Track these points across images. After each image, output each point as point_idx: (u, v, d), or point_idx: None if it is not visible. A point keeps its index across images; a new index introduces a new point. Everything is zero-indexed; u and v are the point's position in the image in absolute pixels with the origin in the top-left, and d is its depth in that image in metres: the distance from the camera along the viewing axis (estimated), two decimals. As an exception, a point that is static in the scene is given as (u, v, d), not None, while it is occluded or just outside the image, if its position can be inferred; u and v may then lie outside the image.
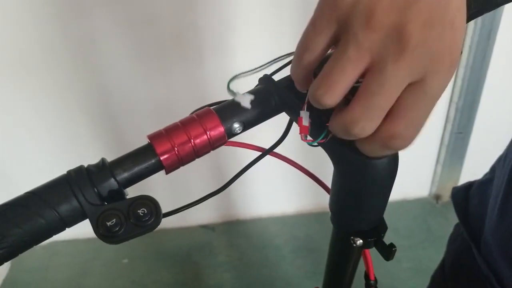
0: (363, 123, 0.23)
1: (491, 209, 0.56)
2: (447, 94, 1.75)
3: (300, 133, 0.30)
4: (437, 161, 1.98)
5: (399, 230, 1.94)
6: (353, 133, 0.23)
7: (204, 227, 1.97)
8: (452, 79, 1.62)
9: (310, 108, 0.28)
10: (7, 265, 1.74)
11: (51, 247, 1.84)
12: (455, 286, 0.67)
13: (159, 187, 1.77)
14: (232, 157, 1.72)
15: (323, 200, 0.35)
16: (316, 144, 0.29)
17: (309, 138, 0.30)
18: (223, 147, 0.33)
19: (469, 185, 0.67)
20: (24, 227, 0.26)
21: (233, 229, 1.97)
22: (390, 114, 0.23)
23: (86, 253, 1.83)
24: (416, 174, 2.04)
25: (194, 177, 1.76)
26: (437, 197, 2.03)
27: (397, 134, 0.23)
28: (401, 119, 0.23)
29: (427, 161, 1.99)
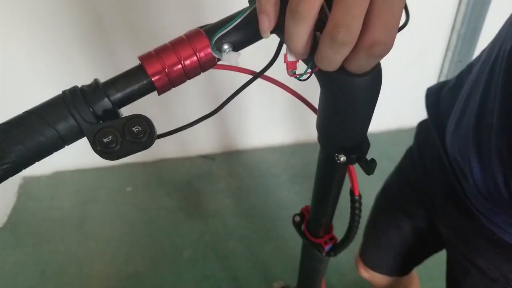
0: (344, 29, 0.24)
1: (454, 111, 0.63)
2: (450, 21, 1.70)
3: (287, 69, 0.31)
4: (435, 90, 1.97)
5: (394, 157, 1.97)
6: (338, 41, 0.25)
7: (204, 157, 2.02)
8: (456, 5, 1.57)
9: None
10: (15, 193, 1.82)
11: (56, 176, 1.91)
12: (421, 166, 0.77)
13: (157, 118, 1.79)
14: (230, 85, 1.72)
15: None
16: (304, 78, 0.30)
17: (297, 73, 0.31)
18: (218, 74, 0.34)
19: (442, 85, 0.73)
20: (26, 144, 0.28)
21: (233, 159, 2.03)
22: (366, 23, 0.25)
23: (91, 182, 1.90)
24: (414, 103, 2.04)
25: (191, 107, 1.77)
26: (433, 126, 2.06)
27: (377, 40, 0.25)
28: (378, 24, 0.24)
29: (425, 90, 1.99)
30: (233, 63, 0.32)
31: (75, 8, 1.42)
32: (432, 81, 1.95)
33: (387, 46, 0.26)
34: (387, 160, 1.91)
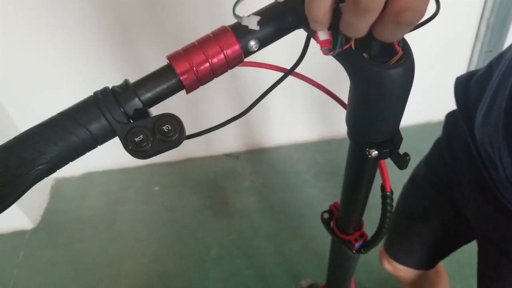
0: None
1: (483, 101, 0.62)
2: (478, 10, 1.64)
3: (321, 48, 0.30)
4: (464, 82, 1.92)
5: (423, 151, 1.94)
6: (362, 6, 0.23)
7: (229, 155, 2.03)
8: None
9: None
10: (47, 195, 1.88)
11: (86, 178, 1.96)
12: (450, 156, 0.76)
13: (185, 118, 1.81)
14: (254, 85, 1.72)
15: (344, 127, 0.36)
16: (338, 51, 0.29)
17: (331, 51, 0.30)
18: (244, 71, 0.34)
19: (471, 75, 0.71)
20: (60, 144, 0.29)
21: (257, 157, 2.03)
22: None
23: (119, 182, 1.94)
24: (442, 97, 1.99)
25: (217, 107, 1.78)
26: (463, 119, 2.00)
27: (406, 6, 0.23)
28: None
29: (454, 80, 1.93)
30: (252, 27, 0.31)
31: (98, 10, 1.45)
32: (460, 72, 1.87)
33: (417, 13, 0.24)
34: (416, 155, 1.85)
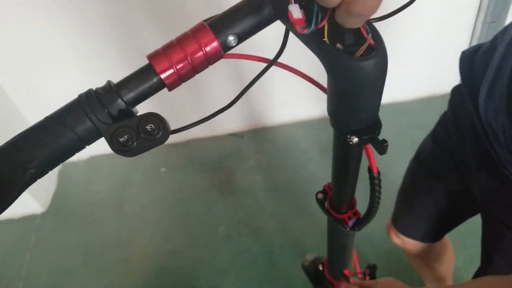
0: None
1: (487, 76, 0.62)
2: (481, -21, 1.60)
3: (296, 26, 0.30)
4: (468, 52, 1.89)
5: (427, 126, 1.92)
6: None
7: (233, 135, 2.04)
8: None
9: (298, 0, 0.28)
10: (55, 179, 1.92)
11: (92, 161, 2.00)
12: (455, 130, 0.77)
13: (186, 101, 1.82)
14: (254, 67, 1.71)
15: None
16: (313, 29, 0.29)
17: (305, 28, 0.29)
18: (236, 62, 0.35)
19: (477, 49, 0.70)
20: (49, 147, 0.30)
21: (261, 136, 2.04)
22: None
23: (125, 165, 1.97)
24: (444, 69, 1.96)
25: (218, 88, 1.79)
26: (467, 90, 1.98)
27: None
28: None
29: (457, 54, 1.90)
30: (296, 16, 0.30)
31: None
32: (464, 44, 1.86)
33: (365, 8, 0.24)
34: (419, 129, 1.86)
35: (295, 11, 0.29)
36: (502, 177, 0.64)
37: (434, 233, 0.95)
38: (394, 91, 1.95)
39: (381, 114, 0.36)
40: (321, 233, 1.55)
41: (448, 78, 2.03)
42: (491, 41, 0.66)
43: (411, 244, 0.98)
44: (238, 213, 1.69)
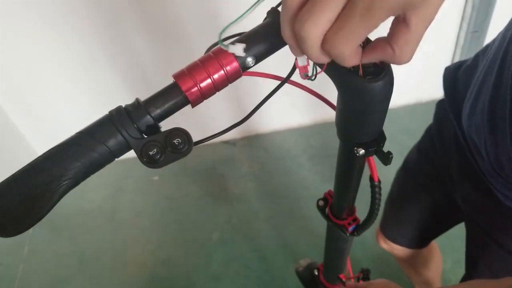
0: (306, 25, 0.26)
1: (469, 93, 0.64)
2: (464, -10, 1.67)
3: (300, 73, 0.34)
4: (452, 62, 1.95)
5: (413, 131, 2.00)
6: (301, 35, 0.26)
7: (226, 142, 2.07)
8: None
9: None
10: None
11: (86, 170, 1.99)
12: (440, 143, 0.79)
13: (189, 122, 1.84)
14: (249, 91, 1.75)
15: None
16: (313, 78, 0.34)
17: (308, 75, 0.34)
18: (246, 85, 0.37)
19: (459, 65, 0.73)
20: (82, 161, 0.32)
21: (253, 143, 2.07)
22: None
23: (118, 173, 1.97)
24: (430, 77, 2.03)
25: (218, 111, 1.83)
26: (452, 97, 2.04)
27: (329, 40, 0.26)
28: (333, 28, 0.26)
29: (442, 62, 1.97)
30: (239, 54, 0.34)
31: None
32: (448, 53, 1.92)
33: (340, 50, 0.27)
34: (406, 135, 1.92)
35: (301, 60, 0.32)
36: (485, 190, 0.66)
37: (420, 240, 0.99)
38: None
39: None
40: (314, 237, 1.59)
41: (433, 85, 2.10)
42: (473, 59, 0.68)
43: (398, 250, 1.01)
44: (232, 219, 1.71)
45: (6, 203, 0.31)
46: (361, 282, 0.96)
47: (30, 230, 1.74)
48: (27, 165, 0.32)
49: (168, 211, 1.79)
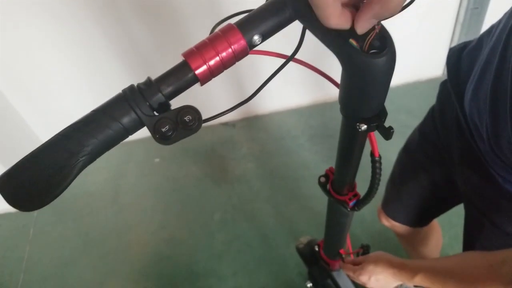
0: None
1: (473, 76, 0.64)
2: (464, -34, 1.66)
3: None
4: (452, 40, 1.95)
5: (412, 110, 2.01)
6: None
7: (225, 124, 2.08)
8: None
9: None
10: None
11: (87, 153, 2.00)
12: (442, 125, 0.80)
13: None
14: (248, 71, 1.75)
15: (335, 90, 0.41)
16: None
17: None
18: (249, 66, 0.38)
19: (464, 46, 0.72)
20: (98, 137, 0.34)
21: (253, 124, 2.08)
22: None
23: (120, 156, 1.99)
24: (430, 55, 2.03)
25: (217, 91, 1.83)
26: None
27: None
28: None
29: (442, 40, 1.97)
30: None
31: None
32: (448, 30, 1.92)
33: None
34: (406, 114, 1.93)
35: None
36: (484, 172, 0.67)
37: (421, 219, 1.01)
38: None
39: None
40: (313, 215, 1.62)
41: (433, 63, 2.11)
42: (478, 40, 0.68)
43: (399, 227, 1.04)
44: (233, 200, 1.74)
45: (27, 178, 0.32)
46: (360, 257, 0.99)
47: (35, 213, 1.78)
48: (46, 142, 0.33)
49: (170, 192, 1.82)
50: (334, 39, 0.34)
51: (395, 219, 1.03)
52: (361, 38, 0.33)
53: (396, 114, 1.93)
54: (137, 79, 0.37)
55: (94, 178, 1.91)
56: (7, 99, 1.72)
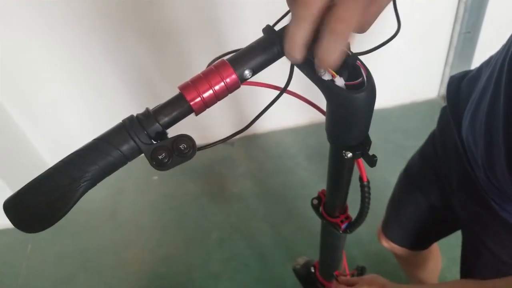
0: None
1: (470, 103, 0.66)
2: (456, -7, 1.72)
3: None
4: (446, 63, 2.00)
5: (408, 131, 2.04)
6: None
7: (224, 142, 2.10)
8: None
9: None
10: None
11: (87, 170, 2.02)
12: (442, 149, 0.81)
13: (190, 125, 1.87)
14: (248, 94, 1.80)
15: None
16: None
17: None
18: (243, 89, 0.41)
19: (464, 75, 0.74)
20: (99, 164, 0.36)
21: (251, 143, 2.11)
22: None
23: (118, 173, 1.96)
24: (425, 77, 2.07)
25: (220, 118, 1.88)
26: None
27: (340, 17, 0.28)
28: (340, 4, 0.29)
29: (436, 63, 2.01)
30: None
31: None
32: (442, 53, 1.97)
33: (349, 24, 0.29)
34: (402, 134, 1.96)
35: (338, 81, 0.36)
36: (481, 199, 0.68)
37: (420, 242, 1.02)
38: (378, 98, 2.05)
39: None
40: (310, 235, 1.63)
41: (427, 85, 2.15)
42: (477, 69, 0.69)
43: (398, 249, 1.04)
44: (230, 218, 1.75)
45: (32, 202, 0.34)
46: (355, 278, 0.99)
47: (33, 229, 1.78)
48: (50, 168, 0.36)
49: (168, 210, 1.83)
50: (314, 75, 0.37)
51: (394, 241, 1.03)
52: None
53: (392, 134, 1.96)
54: (140, 104, 0.40)
55: (92, 195, 1.88)
56: (16, 123, 1.75)
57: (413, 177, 0.94)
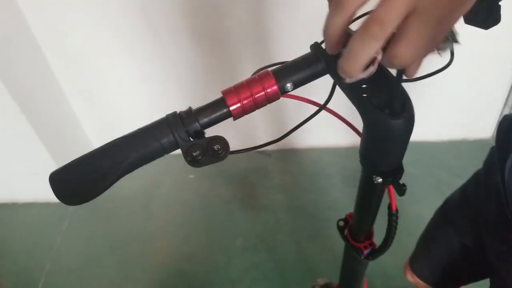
0: (379, 23, 0.27)
1: None
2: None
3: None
4: (506, 103, 1.91)
5: (454, 168, 1.96)
6: (370, 32, 0.28)
7: (261, 152, 2.12)
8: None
9: None
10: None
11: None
12: (484, 189, 0.77)
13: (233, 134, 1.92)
14: (290, 106, 1.82)
15: None
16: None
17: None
18: (285, 102, 0.42)
19: None
20: (139, 151, 0.39)
21: (288, 157, 2.11)
22: (396, 34, 0.28)
23: (157, 167, 2.06)
24: (481, 115, 1.99)
25: (262, 128, 1.92)
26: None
27: (397, 54, 0.28)
28: (403, 39, 0.27)
29: (495, 103, 1.93)
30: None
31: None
32: (502, 94, 1.88)
33: (405, 61, 0.28)
34: (446, 171, 1.89)
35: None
36: None
37: (446, 281, 0.98)
38: (427, 131, 2.00)
39: (409, 150, 0.41)
40: (334, 258, 1.60)
41: (482, 125, 2.06)
42: None
43: (423, 286, 1.01)
44: (257, 228, 1.76)
45: (74, 177, 0.38)
46: None
47: (71, 207, 1.88)
48: (96, 149, 0.39)
49: (198, 209, 1.87)
50: (354, 95, 0.37)
51: (420, 276, 1.00)
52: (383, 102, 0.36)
53: (436, 169, 1.89)
54: (185, 101, 0.42)
55: (130, 184, 2.00)
56: (70, 104, 1.87)
57: (450, 213, 0.91)
